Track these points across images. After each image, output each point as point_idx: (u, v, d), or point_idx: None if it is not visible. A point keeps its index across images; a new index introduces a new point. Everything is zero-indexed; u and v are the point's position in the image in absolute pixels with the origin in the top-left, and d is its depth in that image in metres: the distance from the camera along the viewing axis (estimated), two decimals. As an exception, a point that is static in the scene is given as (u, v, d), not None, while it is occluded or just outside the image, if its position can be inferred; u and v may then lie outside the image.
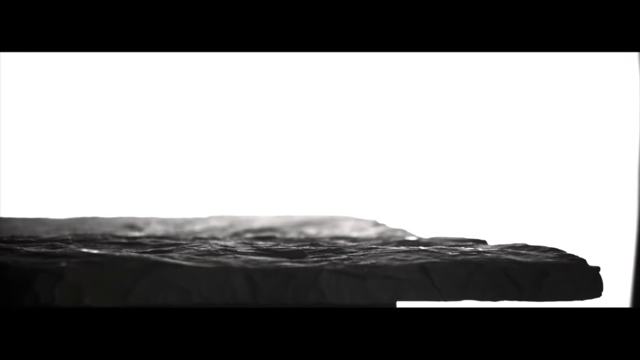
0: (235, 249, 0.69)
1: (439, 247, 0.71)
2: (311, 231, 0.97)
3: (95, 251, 0.62)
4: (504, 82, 1.80)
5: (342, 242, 0.81)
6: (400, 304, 1.07)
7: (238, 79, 1.79)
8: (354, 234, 0.91)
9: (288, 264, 0.61)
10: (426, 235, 0.94)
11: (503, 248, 0.71)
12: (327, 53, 1.77)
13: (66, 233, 0.90)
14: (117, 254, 0.62)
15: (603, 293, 0.64)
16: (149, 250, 0.68)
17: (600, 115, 1.81)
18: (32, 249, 0.66)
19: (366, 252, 0.67)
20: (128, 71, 1.76)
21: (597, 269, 0.64)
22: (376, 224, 1.07)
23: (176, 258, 0.62)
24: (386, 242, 0.80)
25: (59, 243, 0.73)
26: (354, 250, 0.69)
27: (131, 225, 1.06)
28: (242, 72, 1.79)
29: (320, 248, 0.70)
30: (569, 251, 0.69)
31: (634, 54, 1.77)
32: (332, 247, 0.70)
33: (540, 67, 1.78)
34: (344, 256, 0.65)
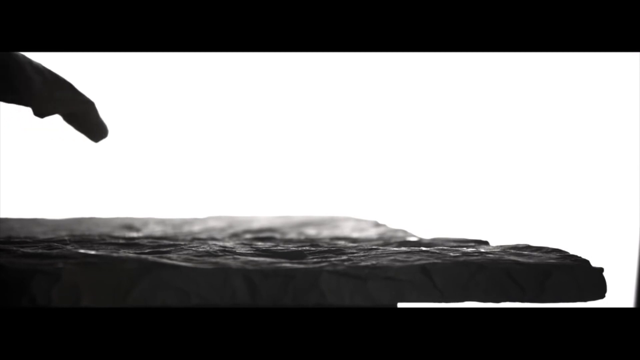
0: (234, 249, 0.69)
1: (441, 247, 0.70)
2: (311, 232, 0.96)
3: (92, 252, 0.62)
4: (504, 82, 1.79)
5: (342, 242, 0.80)
6: (401, 305, 1.07)
7: (238, 79, 1.79)
8: (355, 235, 0.90)
9: (288, 265, 0.61)
10: (427, 235, 0.93)
11: (505, 249, 0.70)
12: (327, 53, 1.77)
13: (63, 234, 0.90)
14: (115, 255, 0.61)
15: (606, 294, 0.63)
16: (146, 251, 0.67)
17: (603, 115, 1.80)
18: (29, 250, 0.65)
19: (367, 253, 0.66)
20: (127, 71, 1.75)
21: (601, 270, 0.63)
22: (377, 225, 1.07)
23: (174, 259, 0.61)
24: (387, 242, 0.79)
25: (56, 244, 0.73)
26: (354, 251, 0.68)
27: (129, 225, 1.06)
28: (242, 72, 1.79)
29: (320, 249, 0.69)
30: (572, 252, 0.69)
31: (635, 54, 1.77)
32: (332, 248, 0.70)
33: (541, 67, 1.78)
34: (344, 257, 0.64)
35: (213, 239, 0.86)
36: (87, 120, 0.83)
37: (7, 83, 0.79)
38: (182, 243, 0.74)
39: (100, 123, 0.84)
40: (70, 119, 0.83)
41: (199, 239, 0.84)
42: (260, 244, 0.75)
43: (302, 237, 0.87)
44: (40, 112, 0.79)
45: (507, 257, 0.64)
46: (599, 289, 0.62)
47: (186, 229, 1.01)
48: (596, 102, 1.77)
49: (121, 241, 0.77)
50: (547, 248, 0.70)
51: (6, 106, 1.77)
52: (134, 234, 0.92)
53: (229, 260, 0.62)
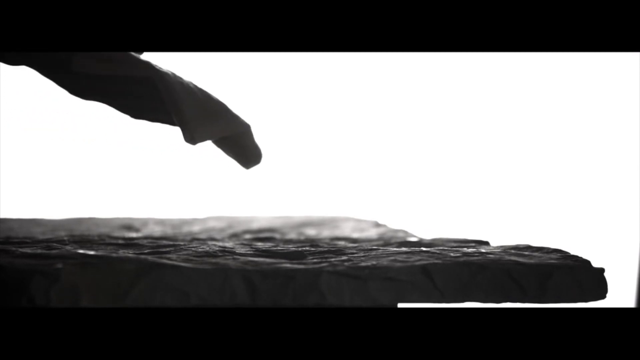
0: (233, 250, 0.68)
1: (441, 248, 0.70)
2: (311, 232, 0.96)
3: (91, 252, 0.62)
4: (504, 82, 1.79)
5: (342, 243, 0.80)
6: (401, 304, 1.07)
7: (238, 79, 1.78)
8: (355, 235, 0.90)
9: (287, 265, 0.61)
10: (428, 236, 0.93)
11: (506, 249, 0.70)
12: (327, 53, 1.77)
13: (62, 234, 0.90)
14: (114, 255, 0.61)
15: (607, 294, 0.63)
16: (146, 251, 0.67)
17: (603, 115, 1.80)
18: (28, 250, 0.65)
19: (367, 254, 0.66)
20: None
21: (602, 270, 0.63)
22: (377, 225, 1.06)
23: (174, 259, 0.61)
24: (387, 243, 0.79)
25: (55, 244, 0.72)
26: (354, 251, 0.68)
27: (128, 226, 1.05)
28: (242, 71, 1.78)
29: (320, 249, 0.69)
30: (573, 252, 0.69)
31: (635, 54, 1.76)
32: (332, 249, 0.69)
33: (541, 67, 1.78)
34: (344, 257, 0.64)
35: (212, 239, 0.85)
36: (241, 144, 0.75)
37: (153, 102, 0.73)
38: (182, 243, 0.74)
39: (255, 148, 0.75)
40: (222, 142, 0.76)
41: (198, 240, 0.84)
42: (260, 245, 0.75)
43: (302, 238, 0.87)
44: (192, 138, 0.70)
45: (507, 257, 0.64)
46: (599, 289, 0.62)
47: (186, 229, 1.01)
48: (596, 102, 1.77)
49: (120, 241, 0.77)
50: (548, 248, 0.70)
51: (6, 106, 1.77)
52: (134, 235, 0.91)
53: (228, 261, 0.61)
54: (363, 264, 0.61)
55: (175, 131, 1.82)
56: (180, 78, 0.73)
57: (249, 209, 1.78)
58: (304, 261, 0.63)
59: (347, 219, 1.20)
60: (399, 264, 0.61)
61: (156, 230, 0.98)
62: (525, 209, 1.74)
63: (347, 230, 0.98)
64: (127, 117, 1.81)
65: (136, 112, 0.75)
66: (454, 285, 0.61)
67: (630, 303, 1.62)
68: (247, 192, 1.79)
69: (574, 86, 1.77)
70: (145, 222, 1.14)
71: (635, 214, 1.70)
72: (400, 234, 0.90)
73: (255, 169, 1.79)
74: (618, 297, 1.62)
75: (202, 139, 0.71)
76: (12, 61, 0.74)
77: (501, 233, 1.72)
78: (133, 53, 0.75)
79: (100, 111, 1.80)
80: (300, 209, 1.76)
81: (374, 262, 0.61)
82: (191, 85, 0.73)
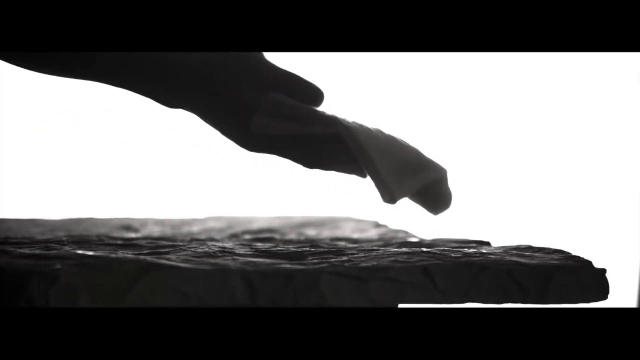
0: (233, 250, 0.68)
1: (442, 248, 0.69)
2: (311, 232, 0.96)
3: (90, 253, 0.61)
4: (504, 82, 1.79)
5: (342, 243, 0.80)
6: (402, 305, 1.06)
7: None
8: (355, 235, 0.90)
9: (287, 266, 0.60)
10: (429, 236, 0.93)
11: (507, 250, 0.70)
12: (327, 53, 1.77)
13: (61, 234, 0.89)
14: (113, 255, 0.60)
15: (609, 295, 0.63)
16: (145, 251, 0.67)
17: (603, 115, 1.80)
18: (27, 251, 0.64)
19: (367, 254, 0.66)
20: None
21: (604, 271, 0.63)
22: (377, 225, 1.06)
23: (173, 260, 0.61)
24: (388, 243, 0.79)
25: (53, 244, 0.72)
26: (354, 252, 0.68)
27: (127, 226, 1.05)
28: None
29: (321, 250, 0.69)
30: (574, 253, 0.68)
31: (635, 54, 1.76)
32: (332, 249, 0.69)
33: (541, 67, 1.78)
34: (344, 258, 0.64)
35: (212, 239, 0.85)
36: (434, 191, 0.70)
37: (335, 155, 0.70)
38: (181, 244, 0.74)
39: (449, 194, 0.71)
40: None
41: (197, 240, 0.84)
42: (259, 245, 0.75)
43: (302, 238, 0.87)
44: (392, 197, 0.67)
45: (509, 258, 0.64)
46: (601, 290, 0.62)
47: (185, 229, 1.00)
48: (596, 102, 1.77)
49: (119, 242, 0.76)
50: (550, 249, 0.69)
51: (6, 106, 1.77)
52: (132, 235, 0.91)
53: (228, 261, 0.61)
54: (363, 264, 0.61)
55: (175, 131, 1.81)
56: (368, 128, 0.69)
57: (249, 209, 1.77)
58: (304, 262, 0.62)
59: (348, 220, 1.19)
60: (399, 265, 0.61)
61: (155, 231, 0.98)
62: (525, 209, 1.74)
63: (347, 231, 0.98)
64: (126, 117, 1.81)
65: (314, 164, 0.72)
66: (454, 286, 0.60)
67: (632, 303, 1.62)
68: (247, 192, 1.79)
69: (574, 86, 1.77)
70: (144, 222, 1.13)
71: (636, 214, 1.70)
72: (401, 235, 0.90)
73: (254, 169, 1.78)
74: (620, 297, 1.62)
75: (402, 195, 0.68)
76: (171, 104, 0.72)
77: (502, 233, 1.72)
78: (315, 108, 0.72)
79: (100, 111, 1.79)
80: (300, 209, 1.76)
81: (375, 263, 0.61)
82: (379, 134, 0.69)
